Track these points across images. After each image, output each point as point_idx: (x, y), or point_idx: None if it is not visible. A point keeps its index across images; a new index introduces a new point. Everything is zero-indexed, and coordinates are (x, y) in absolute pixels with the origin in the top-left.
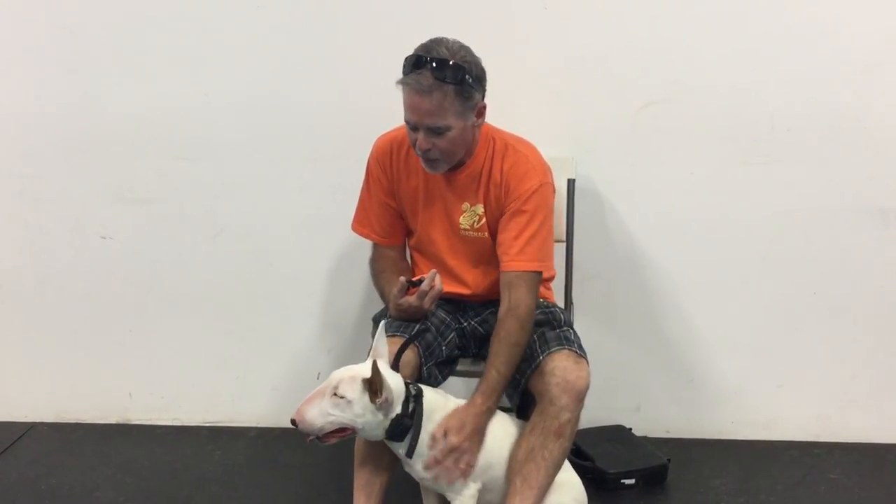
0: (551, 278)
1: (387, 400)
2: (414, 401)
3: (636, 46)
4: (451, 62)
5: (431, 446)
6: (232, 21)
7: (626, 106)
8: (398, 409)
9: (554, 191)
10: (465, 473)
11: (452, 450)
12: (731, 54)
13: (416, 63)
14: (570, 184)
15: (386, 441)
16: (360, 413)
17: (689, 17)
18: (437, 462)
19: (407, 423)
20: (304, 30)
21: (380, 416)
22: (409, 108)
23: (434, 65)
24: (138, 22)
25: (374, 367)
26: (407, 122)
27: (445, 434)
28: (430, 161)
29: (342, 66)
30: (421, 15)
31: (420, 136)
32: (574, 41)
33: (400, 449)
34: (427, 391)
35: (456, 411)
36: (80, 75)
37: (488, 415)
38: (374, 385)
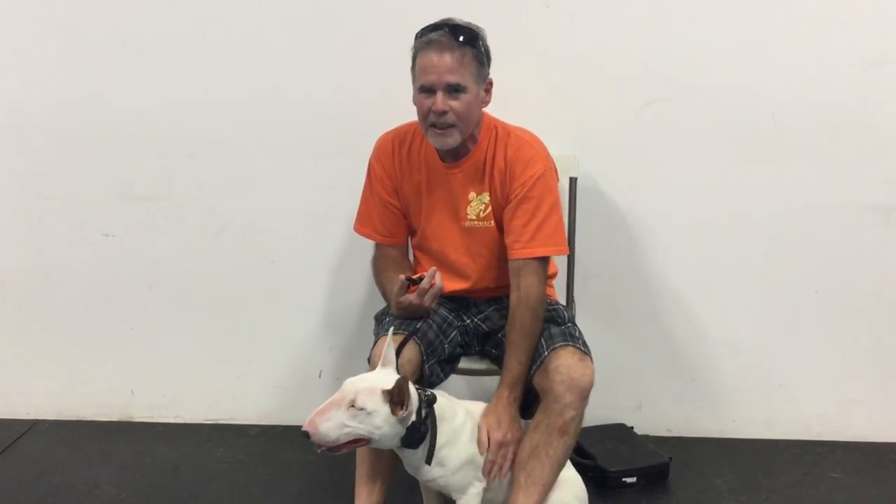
0: (553, 275)
1: (409, 412)
2: (426, 406)
3: (638, 45)
4: (465, 27)
5: (482, 452)
6: (234, 18)
7: (628, 104)
8: (413, 418)
9: (557, 176)
10: (507, 470)
11: (500, 446)
12: (734, 52)
13: (434, 27)
14: (573, 182)
15: (397, 449)
16: (380, 425)
17: (692, 15)
18: (494, 464)
19: (423, 430)
20: (307, 27)
21: (399, 427)
22: (428, 67)
23: (451, 28)
24: (140, 19)
25: (404, 382)
26: (422, 87)
27: (489, 435)
28: (443, 129)
29: (345, 63)
30: (423, 13)
31: (438, 96)
32: (576, 39)
33: (414, 456)
34: (437, 395)
35: (487, 410)
36: (82, 73)
37: (516, 404)
38: (400, 398)
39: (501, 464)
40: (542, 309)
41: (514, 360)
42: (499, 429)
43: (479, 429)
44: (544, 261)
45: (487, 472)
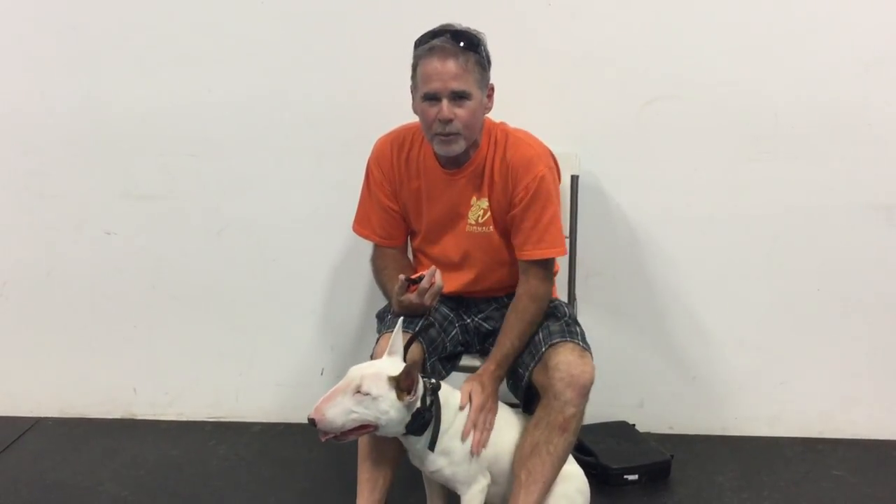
0: (555, 273)
1: (415, 398)
2: (432, 394)
3: (640, 43)
4: (466, 32)
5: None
6: (236, 18)
7: (629, 102)
8: (418, 404)
9: (559, 174)
10: (485, 439)
11: (480, 409)
12: (736, 51)
13: (435, 34)
14: (574, 180)
15: (402, 437)
16: (386, 410)
17: (694, 13)
18: (473, 425)
19: (427, 417)
20: (308, 27)
21: (405, 412)
22: (432, 75)
23: (452, 34)
24: (143, 19)
25: (413, 367)
26: (426, 95)
27: (470, 397)
28: (448, 137)
29: (346, 63)
30: (425, 12)
31: (443, 104)
32: (578, 37)
33: (418, 444)
34: (441, 384)
35: (470, 377)
36: (85, 73)
37: (499, 381)
38: (408, 383)
39: (481, 429)
40: (545, 306)
41: (507, 340)
42: (481, 393)
43: (462, 391)
44: (550, 261)
45: (467, 434)
